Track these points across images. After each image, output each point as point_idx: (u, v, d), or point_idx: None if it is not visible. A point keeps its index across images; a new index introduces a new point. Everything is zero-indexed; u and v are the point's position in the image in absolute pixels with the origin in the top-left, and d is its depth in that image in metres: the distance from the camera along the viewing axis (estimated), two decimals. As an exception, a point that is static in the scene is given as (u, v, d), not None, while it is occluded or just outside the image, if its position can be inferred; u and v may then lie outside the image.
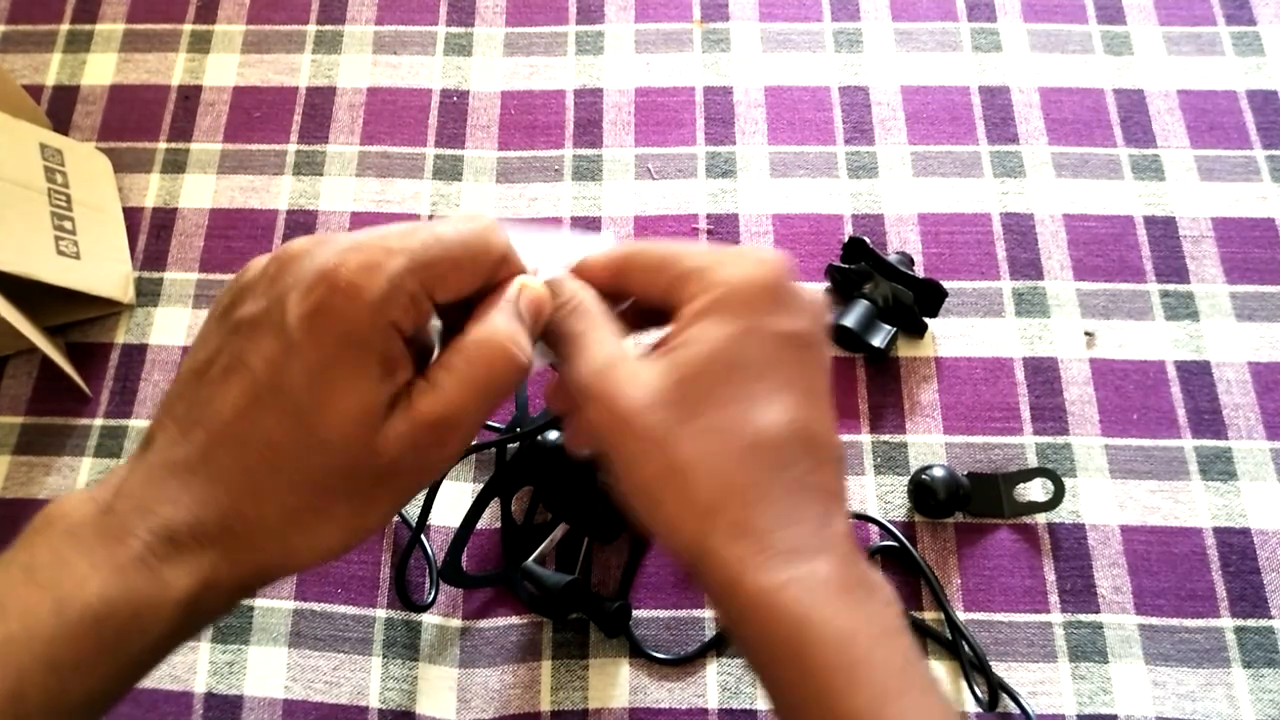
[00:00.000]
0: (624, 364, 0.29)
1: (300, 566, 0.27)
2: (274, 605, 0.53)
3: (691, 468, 0.27)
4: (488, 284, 0.29)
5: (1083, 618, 0.52)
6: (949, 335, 0.59)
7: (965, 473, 0.54)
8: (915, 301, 0.57)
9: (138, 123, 0.67)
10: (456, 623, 0.53)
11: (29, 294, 0.55)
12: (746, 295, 0.28)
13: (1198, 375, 0.58)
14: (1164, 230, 0.62)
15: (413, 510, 0.55)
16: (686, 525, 0.27)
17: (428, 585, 0.54)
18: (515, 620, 0.53)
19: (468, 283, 0.28)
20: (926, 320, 0.58)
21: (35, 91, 0.68)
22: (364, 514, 0.27)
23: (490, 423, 0.57)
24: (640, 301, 0.32)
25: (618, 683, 0.51)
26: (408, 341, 0.27)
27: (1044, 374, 0.58)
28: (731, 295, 0.28)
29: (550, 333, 0.31)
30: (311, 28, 0.70)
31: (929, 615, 0.52)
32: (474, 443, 0.55)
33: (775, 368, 0.28)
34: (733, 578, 0.26)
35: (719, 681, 0.51)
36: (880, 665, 0.26)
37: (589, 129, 0.66)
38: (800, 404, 0.28)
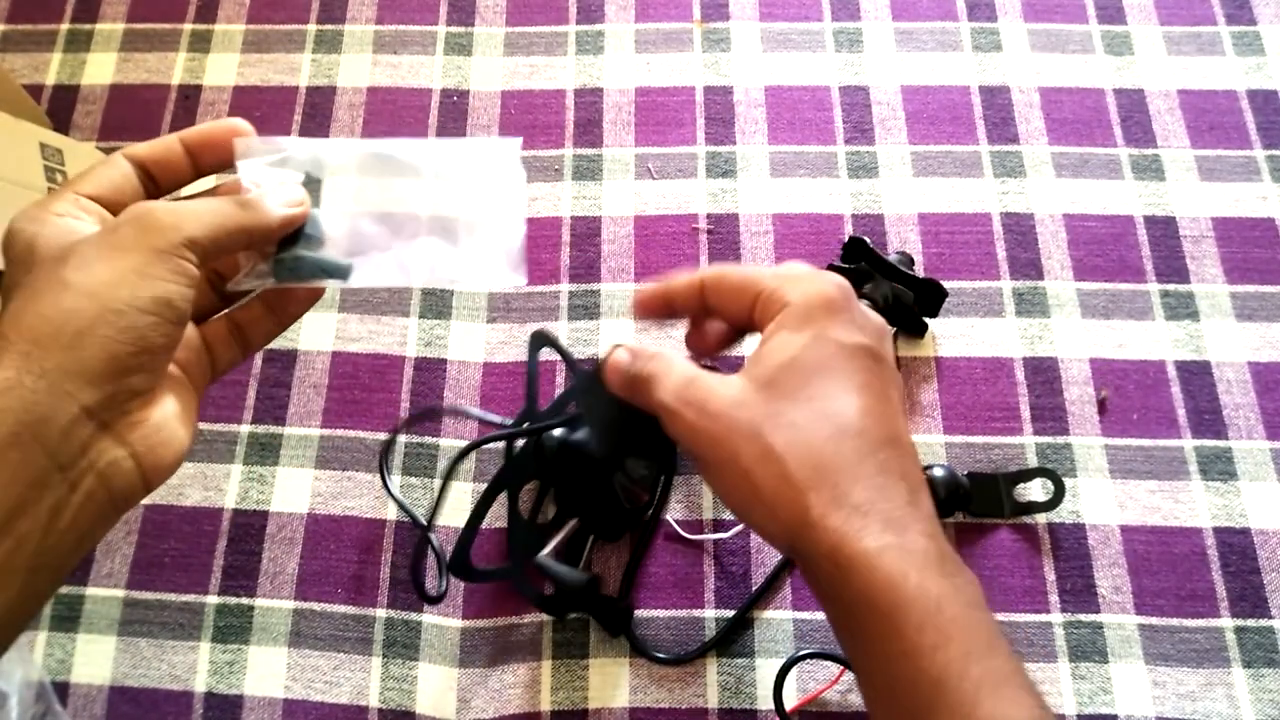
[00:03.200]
0: (705, 377, 0.33)
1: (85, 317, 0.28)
2: (274, 605, 0.53)
3: (787, 452, 0.31)
4: (130, 184, 0.32)
5: (1083, 618, 0.52)
6: (949, 335, 0.59)
7: (965, 473, 0.54)
8: (915, 301, 0.57)
9: (138, 123, 0.67)
10: (456, 623, 0.53)
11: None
12: (810, 309, 0.33)
13: (1198, 375, 0.58)
14: (1164, 230, 0.62)
15: (420, 509, 0.55)
16: (786, 503, 0.30)
17: (437, 578, 0.54)
18: (515, 620, 0.53)
19: (112, 183, 0.32)
20: (926, 320, 0.58)
21: (35, 91, 0.68)
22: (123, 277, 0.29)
23: (499, 417, 0.57)
24: (727, 321, 0.37)
25: (618, 683, 0.51)
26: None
27: (1044, 374, 0.58)
28: (798, 309, 0.33)
29: (632, 381, 0.36)
30: (311, 27, 0.70)
31: (929, 615, 0.52)
32: (482, 436, 0.55)
33: (847, 372, 0.32)
34: (835, 544, 0.29)
35: (719, 681, 0.51)
36: (968, 629, 0.28)
37: (589, 129, 0.66)
38: (874, 404, 0.32)
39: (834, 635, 0.32)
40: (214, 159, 0.33)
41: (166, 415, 0.30)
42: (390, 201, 0.35)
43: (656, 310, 0.38)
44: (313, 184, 0.34)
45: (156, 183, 0.33)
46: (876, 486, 0.30)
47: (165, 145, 0.33)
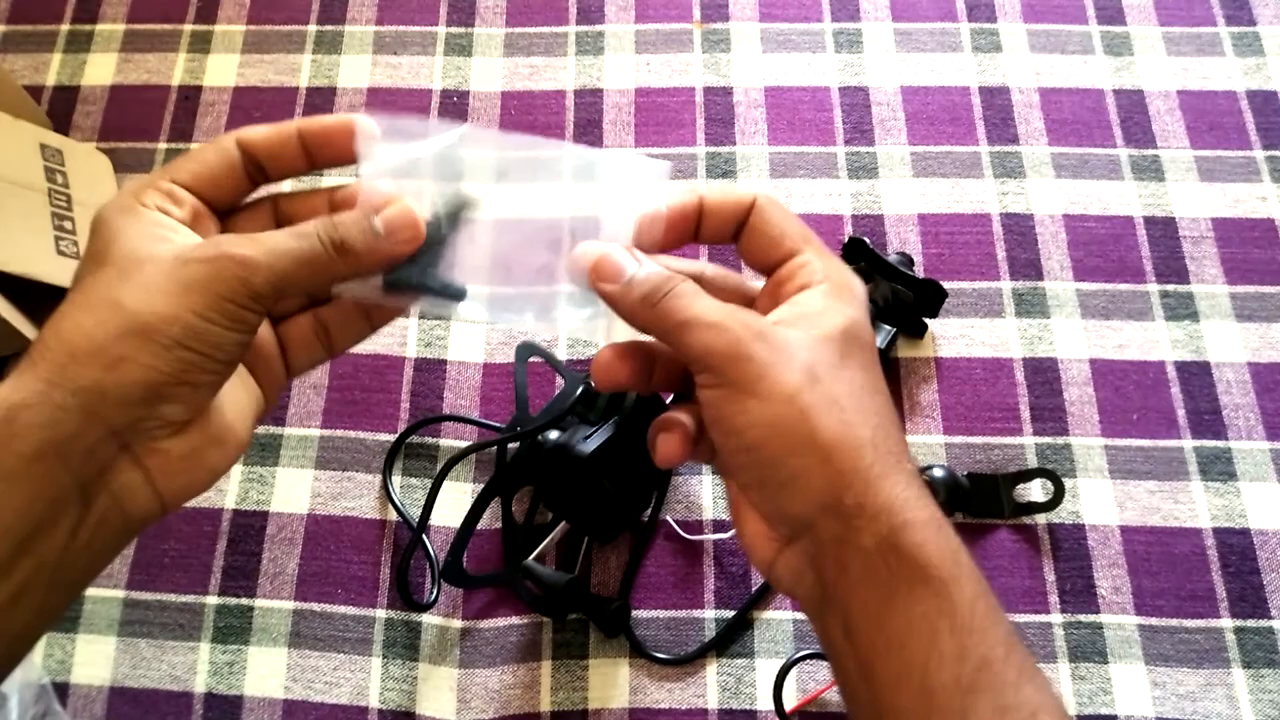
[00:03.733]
0: (743, 311, 0.31)
1: (126, 386, 0.27)
2: (274, 605, 0.53)
3: (850, 404, 0.30)
4: (237, 173, 0.31)
5: (1083, 618, 0.52)
6: (949, 335, 0.59)
7: (965, 473, 0.54)
8: (915, 302, 0.57)
9: (138, 123, 0.67)
10: (457, 623, 0.53)
11: (29, 294, 0.55)
12: (858, 295, 0.32)
13: (1198, 375, 0.58)
14: (1164, 230, 0.62)
15: (414, 510, 0.55)
16: (848, 452, 0.29)
17: (429, 585, 0.54)
18: (515, 621, 0.53)
19: (213, 180, 0.31)
20: (926, 320, 0.58)
21: (35, 91, 0.68)
22: (166, 337, 0.27)
23: (491, 422, 0.57)
24: (749, 259, 0.35)
25: (618, 683, 0.51)
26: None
27: (1044, 374, 0.58)
28: (849, 290, 0.32)
29: (655, 315, 0.32)
30: (312, 28, 0.70)
31: (929, 615, 0.52)
32: (475, 442, 0.55)
33: (875, 360, 0.32)
34: (887, 507, 0.29)
35: (719, 681, 0.51)
36: (1002, 613, 0.29)
37: (589, 129, 0.66)
38: (889, 397, 0.32)
39: (836, 623, 0.30)
40: (333, 155, 0.31)
41: (198, 443, 0.29)
42: (529, 206, 0.33)
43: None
44: (450, 200, 0.32)
45: (266, 172, 0.31)
46: (900, 461, 0.30)
47: (281, 136, 0.31)
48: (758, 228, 0.34)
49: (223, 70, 0.69)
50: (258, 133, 0.31)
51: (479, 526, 0.53)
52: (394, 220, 0.30)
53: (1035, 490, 0.55)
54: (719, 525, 0.55)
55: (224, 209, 0.31)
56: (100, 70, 0.69)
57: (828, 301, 0.31)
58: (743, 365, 0.30)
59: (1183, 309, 0.59)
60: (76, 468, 0.26)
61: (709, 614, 0.53)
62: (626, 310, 0.32)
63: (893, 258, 0.58)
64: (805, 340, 0.30)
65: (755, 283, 0.36)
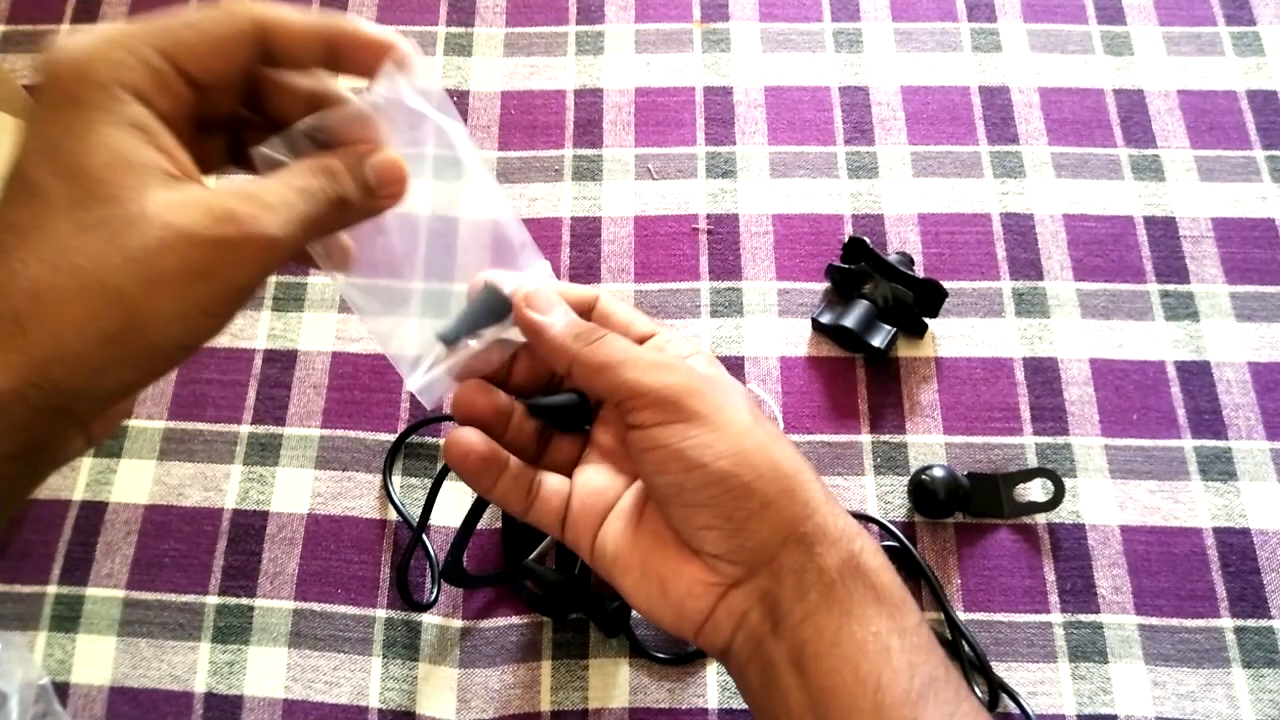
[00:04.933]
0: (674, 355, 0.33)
1: (65, 344, 0.22)
2: (274, 605, 0.53)
3: (777, 446, 0.31)
4: (241, 60, 0.26)
5: (1083, 618, 0.52)
6: (949, 335, 0.59)
7: (965, 473, 0.54)
8: (915, 301, 0.57)
9: (138, 123, 0.67)
10: (457, 623, 0.53)
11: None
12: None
13: (1198, 375, 0.58)
14: (1164, 230, 0.62)
15: (414, 510, 0.55)
16: (796, 490, 0.30)
17: (429, 585, 0.54)
18: (515, 620, 0.53)
19: (215, 51, 0.25)
20: (926, 320, 0.58)
21: (35, 92, 0.67)
22: (138, 298, 0.22)
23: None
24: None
25: (618, 683, 0.51)
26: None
27: (1044, 374, 0.58)
28: (718, 362, 0.35)
29: (590, 350, 0.31)
30: (311, 28, 0.70)
31: (929, 615, 0.52)
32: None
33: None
34: (844, 536, 0.30)
35: (719, 681, 0.51)
36: (915, 605, 0.31)
37: (589, 129, 0.66)
38: None
39: (783, 657, 0.29)
40: (356, 68, 0.28)
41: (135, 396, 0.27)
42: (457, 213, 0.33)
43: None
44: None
45: (272, 59, 0.26)
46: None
47: (311, 30, 0.26)
48: (610, 319, 0.34)
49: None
50: (284, 19, 0.26)
51: (479, 526, 0.53)
52: (386, 172, 0.28)
53: (1035, 490, 0.55)
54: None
55: (205, 87, 0.25)
56: (100, 70, 0.69)
57: (714, 368, 0.33)
58: (700, 399, 0.30)
59: (1183, 309, 0.59)
60: (36, 454, 0.24)
61: (709, 614, 0.53)
62: (553, 342, 0.31)
63: (893, 257, 0.58)
64: (731, 383, 0.32)
65: (643, 322, 0.35)
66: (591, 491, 0.33)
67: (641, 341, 0.33)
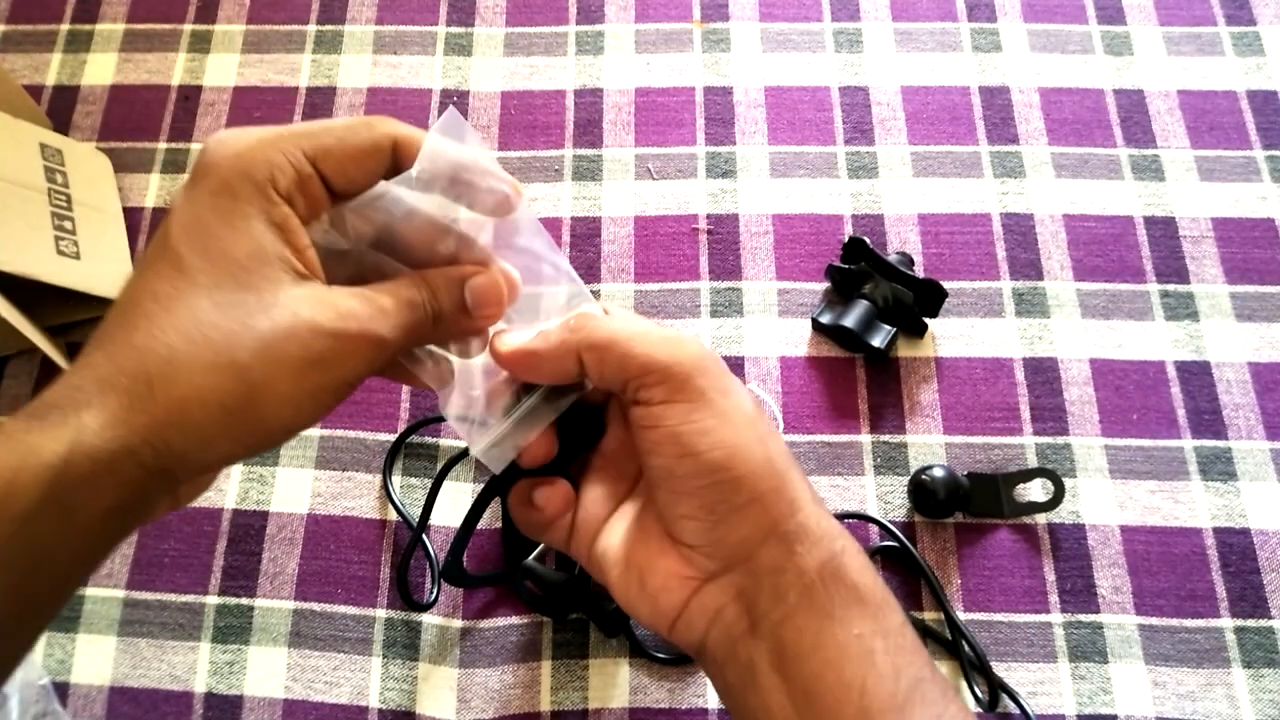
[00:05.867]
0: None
1: (202, 434, 0.24)
2: (274, 605, 0.53)
3: (770, 439, 0.30)
4: (377, 173, 0.28)
5: (1083, 618, 0.52)
6: (949, 335, 0.59)
7: (965, 473, 0.54)
8: (915, 301, 0.57)
9: (138, 123, 0.67)
10: (457, 623, 0.53)
11: (29, 294, 0.55)
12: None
13: (1198, 375, 0.58)
14: (1164, 230, 0.62)
15: (414, 510, 0.55)
16: (782, 485, 0.30)
17: (429, 585, 0.54)
18: (515, 620, 0.53)
19: (355, 160, 0.27)
20: (926, 320, 0.58)
21: (35, 91, 0.68)
22: (264, 382, 0.24)
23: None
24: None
25: (618, 683, 0.51)
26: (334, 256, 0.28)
27: (1044, 374, 0.58)
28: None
29: (596, 324, 0.31)
30: (311, 28, 0.70)
31: (929, 615, 0.52)
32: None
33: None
34: (827, 534, 0.30)
35: (719, 681, 0.51)
36: (898, 606, 0.30)
37: (589, 129, 0.66)
38: None
39: (763, 656, 0.29)
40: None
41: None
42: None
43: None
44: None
45: (396, 171, 0.28)
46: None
47: (367, 144, 0.27)
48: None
49: (223, 70, 0.69)
50: (415, 138, 0.28)
51: (479, 526, 0.53)
52: (483, 294, 0.29)
53: (1035, 490, 0.55)
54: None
55: (339, 193, 0.28)
56: (100, 70, 0.69)
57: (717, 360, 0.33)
58: (709, 378, 0.30)
59: (1183, 309, 0.59)
60: (130, 511, 0.25)
61: (709, 614, 0.53)
62: (554, 350, 0.31)
63: (893, 258, 0.58)
64: (730, 373, 0.31)
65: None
66: (594, 501, 0.33)
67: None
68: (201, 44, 0.70)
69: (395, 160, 0.28)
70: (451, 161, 0.28)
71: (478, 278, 0.29)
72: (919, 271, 0.60)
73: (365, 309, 0.26)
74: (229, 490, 0.56)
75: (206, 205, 0.25)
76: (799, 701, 0.28)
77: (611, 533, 0.33)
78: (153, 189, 0.65)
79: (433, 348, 0.32)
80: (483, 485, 0.53)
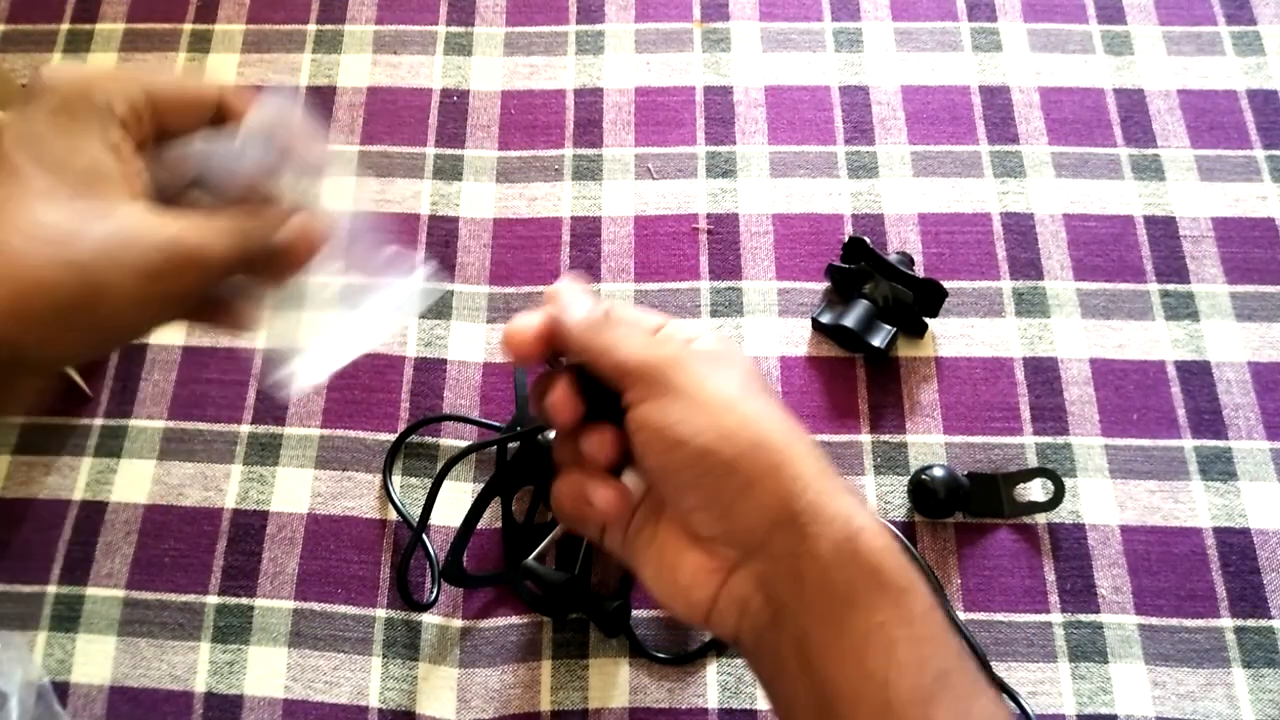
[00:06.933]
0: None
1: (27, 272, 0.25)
2: (274, 605, 0.53)
3: (776, 412, 0.30)
4: (201, 122, 0.31)
5: (1083, 618, 0.52)
6: (949, 335, 0.59)
7: (965, 473, 0.54)
8: (915, 301, 0.57)
9: (138, 122, 0.67)
10: (457, 623, 0.53)
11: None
12: (738, 349, 0.35)
13: (1198, 375, 0.58)
14: (1164, 230, 0.62)
15: (414, 510, 0.55)
16: (790, 443, 0.30)
17: (429, 585, 0.54)
18: (515, 620, 0.53)
19: (184, 107, 0.30)
20: (926, 320, 0.58)
21: (35, 91, 0.67)
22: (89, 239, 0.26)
23: (491, 422, 0.57)
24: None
25: (618, 683, 0.51)
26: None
27: (1044, 374, 0.58)
28: (730, 340, 0.36)
29: (586, 339, 0.32)
30: (311, 27, 0.70)
31: (929, 615, 0.52)
32: (475, 442, 0.55)
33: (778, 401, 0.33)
34: (844, 514, 0.29)
35: (719, 681, 0.51)
36: (927, 589, 0.29)
37: (589, 129, 0.66)
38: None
39: (789, 645, 0.29)
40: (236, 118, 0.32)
41: None
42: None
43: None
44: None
45: (213, 124, 0.31)
46: (844, 479, 0.30)
47: (196, 95, 0.30)
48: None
49: (222, 70, 0.69)
50: (238, 100, 0.31)
51: (479, 526, 0.53)
52: (305, 230, 0.31)
53: (1035, 490, 0.55)
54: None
55: (165, 132, 0.30)
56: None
57: (723, 344, 0.33)
58: (681, 372, 0.30)
59: (1183, 308, 0.59)
60: None
61: (709, 614, 0.53)
62: (569, 331, 0.32)
63: (893, 257, 0.58)
64: (732, 358, 0.31)
65: (653, 318, 0.35)
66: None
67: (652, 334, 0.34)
68: (201, 44, 0.70)
69: (220, 115, 0.31)
70: (271, 124, 0.31)
71: (300, 215, 0.32)
72: (919, 271, 0.60)
73: (198, 229, 0.28)
74: (229, 490, 0.56)
75: (44, 122, 0.26)
76: (820, 692, 0.28)
77: (637, 524, 0.33)
78: (153, 189, 0.65)
79: (247, 294, 0.33)
80: (483, 485, 0.53)
